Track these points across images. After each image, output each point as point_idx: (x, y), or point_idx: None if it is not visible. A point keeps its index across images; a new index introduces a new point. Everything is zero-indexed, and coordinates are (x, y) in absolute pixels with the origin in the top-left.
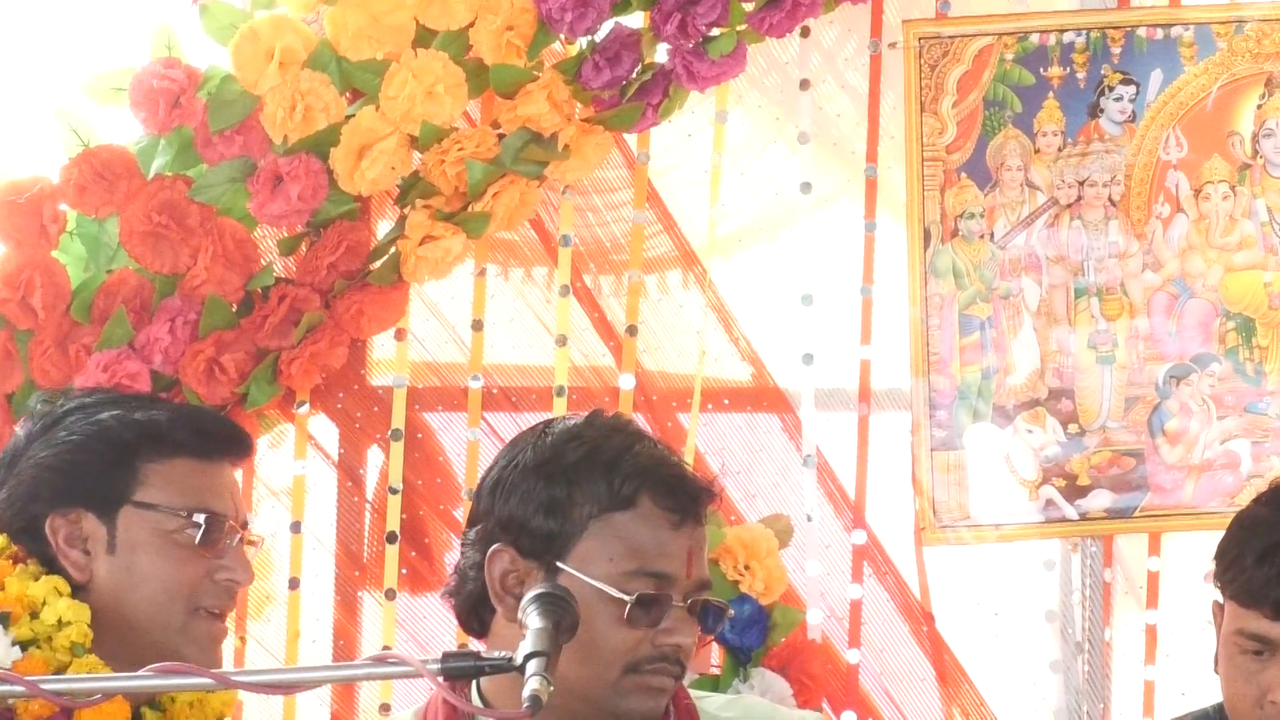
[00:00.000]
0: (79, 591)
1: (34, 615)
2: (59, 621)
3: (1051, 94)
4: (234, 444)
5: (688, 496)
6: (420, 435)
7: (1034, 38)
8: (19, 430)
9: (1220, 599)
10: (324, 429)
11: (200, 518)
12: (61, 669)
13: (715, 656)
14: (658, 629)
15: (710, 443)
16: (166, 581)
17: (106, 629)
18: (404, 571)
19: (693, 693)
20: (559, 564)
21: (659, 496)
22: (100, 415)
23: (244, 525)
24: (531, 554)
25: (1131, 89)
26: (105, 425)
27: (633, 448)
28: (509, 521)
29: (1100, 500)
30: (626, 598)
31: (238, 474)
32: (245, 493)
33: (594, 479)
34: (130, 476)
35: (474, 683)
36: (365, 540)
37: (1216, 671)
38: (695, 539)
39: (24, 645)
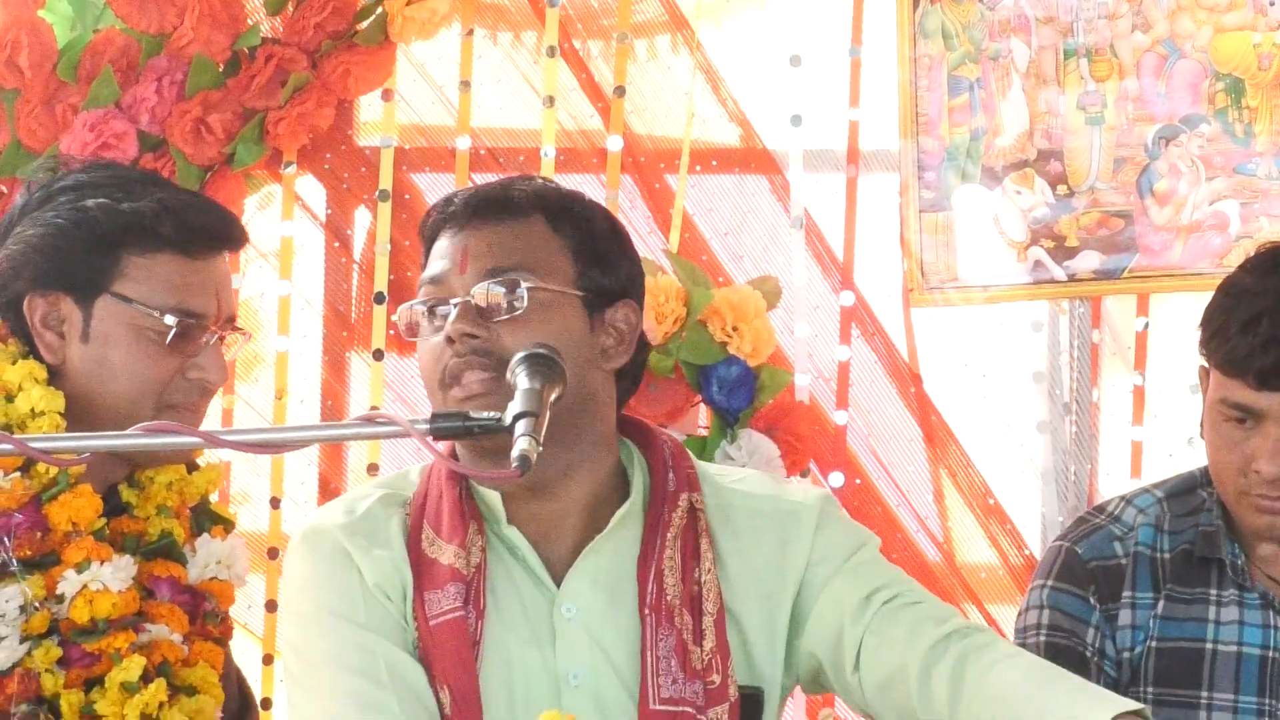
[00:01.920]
0: (54, 377)
1: (9, 399)
2: (32, 410)
3: None
4: (223, 239)
5: (461, 204)
6: (408, 196)
7: None
8: (17, 199)
9: (1206, 364)
10: (311, 190)
11: (172, 319)
12: (24, 461)
13: (703, 418)
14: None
15: (698, 204)
16: (136, 377)
17: (77, 417)
18: (391, 332)
19: (704, 465)
20: None
21: (445, 222)
22: (88, 201)
23: (229, 321)
24: None
25: None
26: (90, 213)
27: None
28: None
29: (1089, 261)
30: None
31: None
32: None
33: (422, 235)
34: (112, 266)
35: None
36: (353, 301)
37: (1203, 436)
38: (477, 236)
39: None
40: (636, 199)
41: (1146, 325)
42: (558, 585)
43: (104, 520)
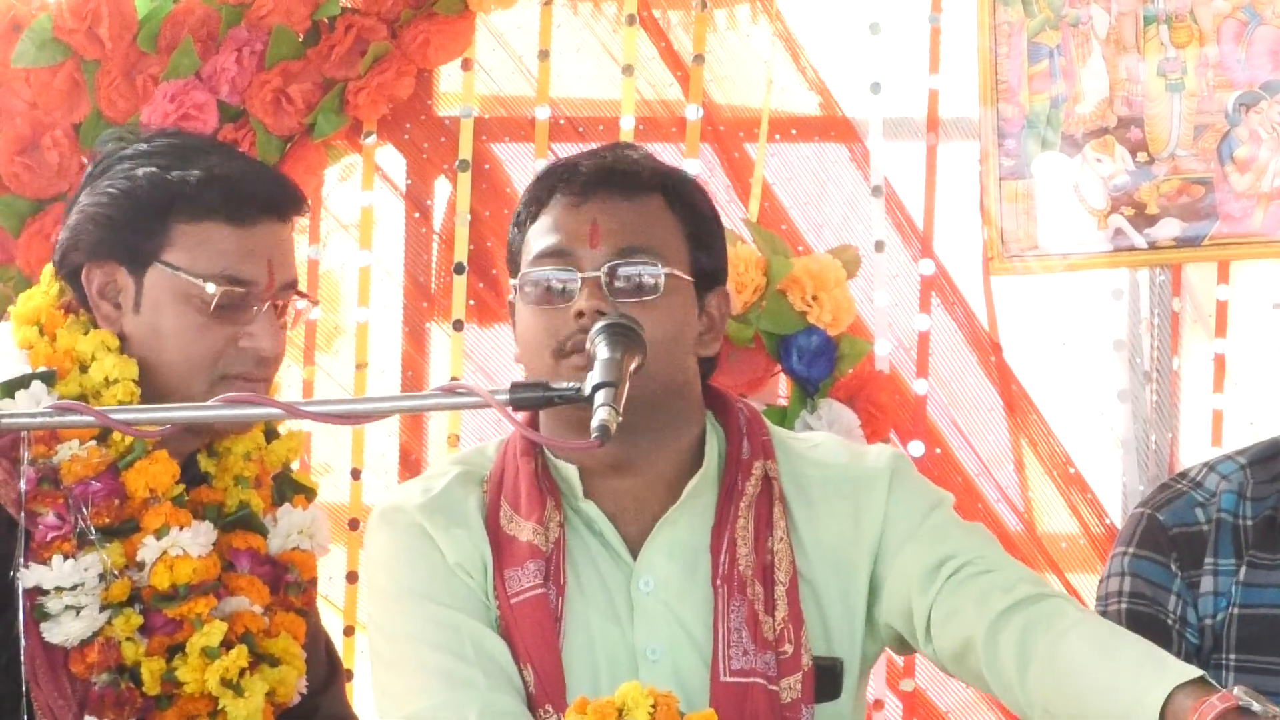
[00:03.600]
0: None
1: (83, 369)
2: (106, 379)
3: None
4: (273, 207)
5: (585, 174)
6: (488, 166)
7: None
8: (87, 171)
9: None
10: (391, 160)
11: (214, 287)
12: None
13: (783, 388)
14: (572, 306)
15: (778, 173)
16: (187, 346)
17: (144, 386)
18: (471, 303)
19: (778, 431)
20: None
21: (563, 187)
22: (138, 170)
23: (286, 288)
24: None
25: None
26: (139, 182)
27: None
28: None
29: (1169, 229)
30: (516, 282)
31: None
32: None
33: (526, 202)
34: (161, 235)
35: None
36: (433, 271)
37: None
38: (606, 210)
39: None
40: (716, 168)
41: (1228, 293)
42: (635, 559)
43: (183, 487)
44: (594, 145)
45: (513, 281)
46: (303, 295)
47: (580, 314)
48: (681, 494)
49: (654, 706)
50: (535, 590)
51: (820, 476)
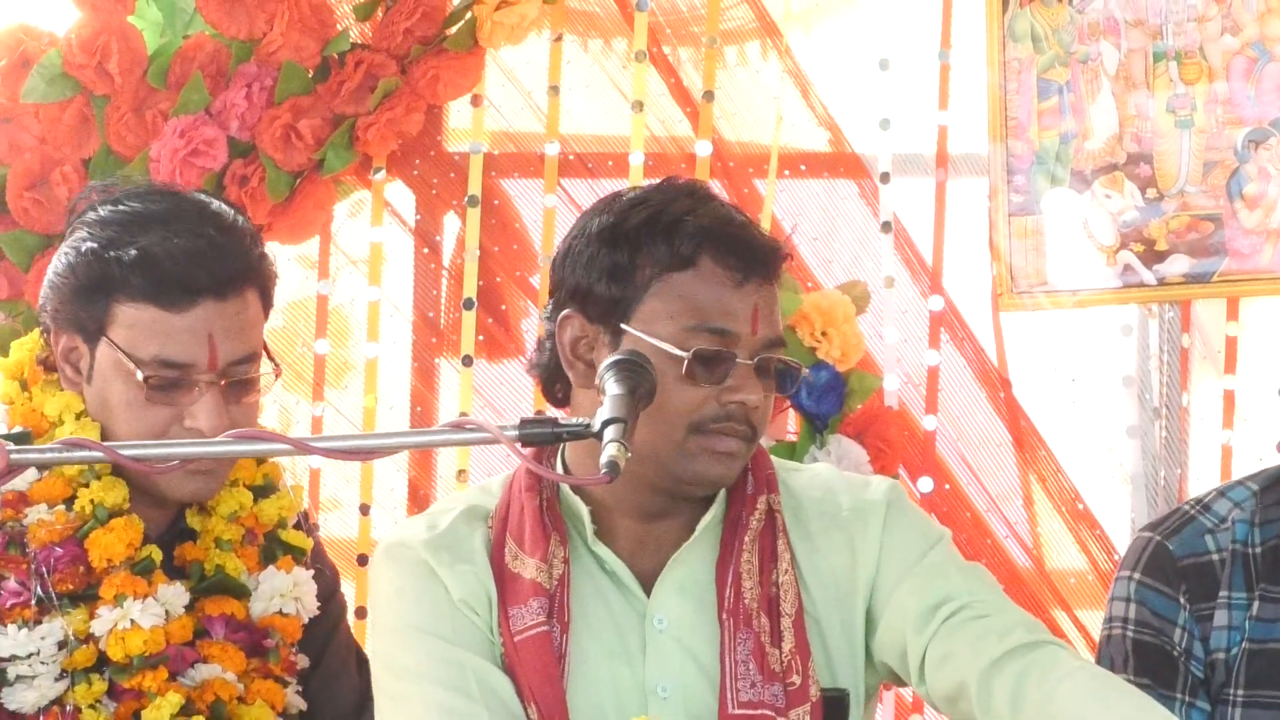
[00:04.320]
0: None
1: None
2: None
3: None
4: (211, 288)
5: (750, 254)
6: (497, 202)
7: None
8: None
9: None
10: (400, 196)
11: (140, 373)
12: (72, 493)
13: (792, 424)
14: (722, 387)
15: (787, 209)
16: (131, 424)
17: None
18: (481, 338)
19: (778, 463)
20: (623, 326)
21: (720, 255)
22: (84, 245)
23: (238, 362)
24: (598, 319)
25: None
26: (81, 258)
27: (697, 209)
28: (576, 289)
29: (1178, 265)
30: (684, 354)
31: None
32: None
33: (655, 240)
34: (104, 313)
35: (560, 453)
36: (442, 307)
37: None
38: (762, 296)
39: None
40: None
41: (1237, 329)
42: (647, 596)
43: (150, 550)
44: (604, 181)
45: (667, 345)
46: (272, 360)
47: (740, 403)
48: (694, 531)
49: None
50: (539, 628)
51: (818, 510)
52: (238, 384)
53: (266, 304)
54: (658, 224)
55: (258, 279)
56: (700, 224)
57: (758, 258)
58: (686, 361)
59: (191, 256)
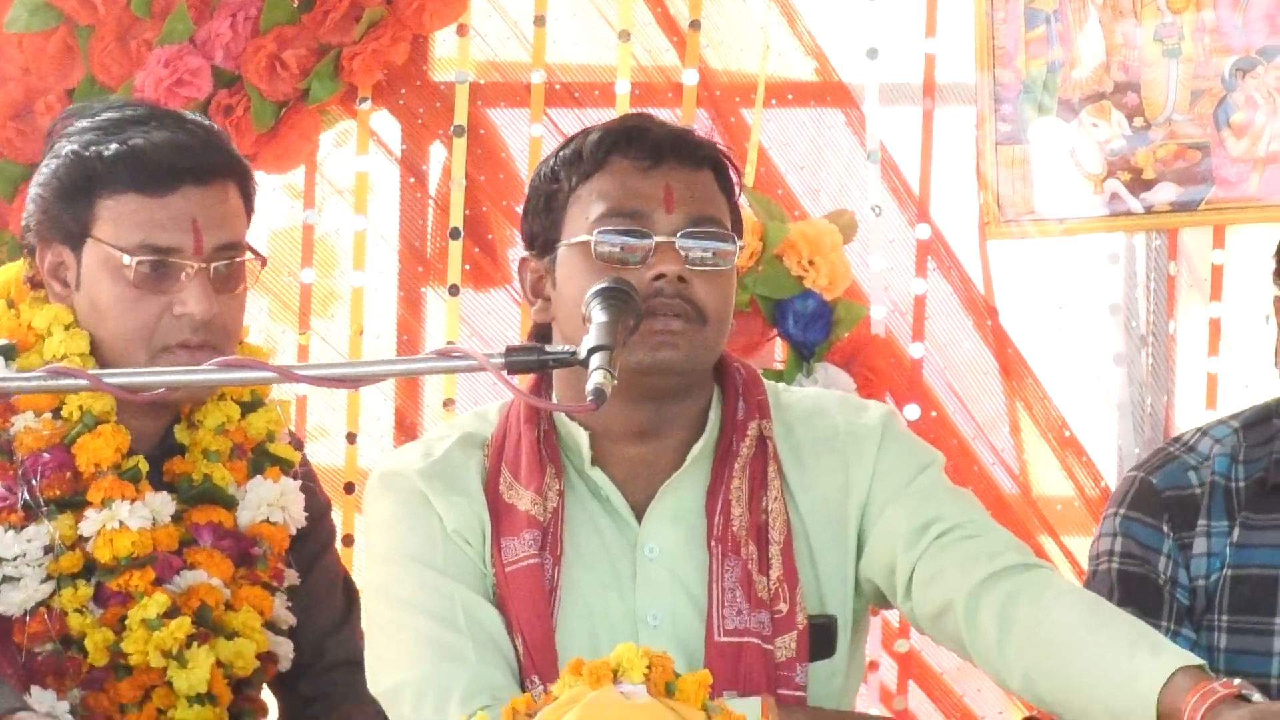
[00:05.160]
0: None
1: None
2: (56, 355)
3: None
4: (192, 172)
5: (656, 141)
6: (483, 131)
7: None
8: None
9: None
10: (386, 125)
11: (130, 259)
12: (59, 401)
13: (779, 352)
14: (645, 266)
15: (774, 139)
16: (121, 320)
17: (96, 359)
18: (467, 267)
19: (773, 386)
20: (557, 244)
21: (627, 149)
22: (65, 150)
23: (223, 249)
24: (542, 252)
25: None
26: (63, 162)
27: (610, 123)
28: (526, 234)
29: (1165, 193)
30: (591, 238)
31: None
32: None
33: (570, 161)
34: (88, 212)
35: (552, 384)
36: (428, 236)
37: (1277, 366)
38: (676, 178)
39: None
40: (712, 134)
41: (1223, 257)
42: (639, 524)
43: (137, 459)
44: (590, 110)
45: (571, 239)
46: (254, 252)
47: (660, 276)
48: (686, 460)
49: (649, 667)
50: (530, 560)
51: (812, 434)
52: (223, 272)
53: (248, 203)
54: (572, 145)
55: (238, 173)
56: (607, 128)
57: (666, 143)
58: (593, 245)
59: (173, 145)
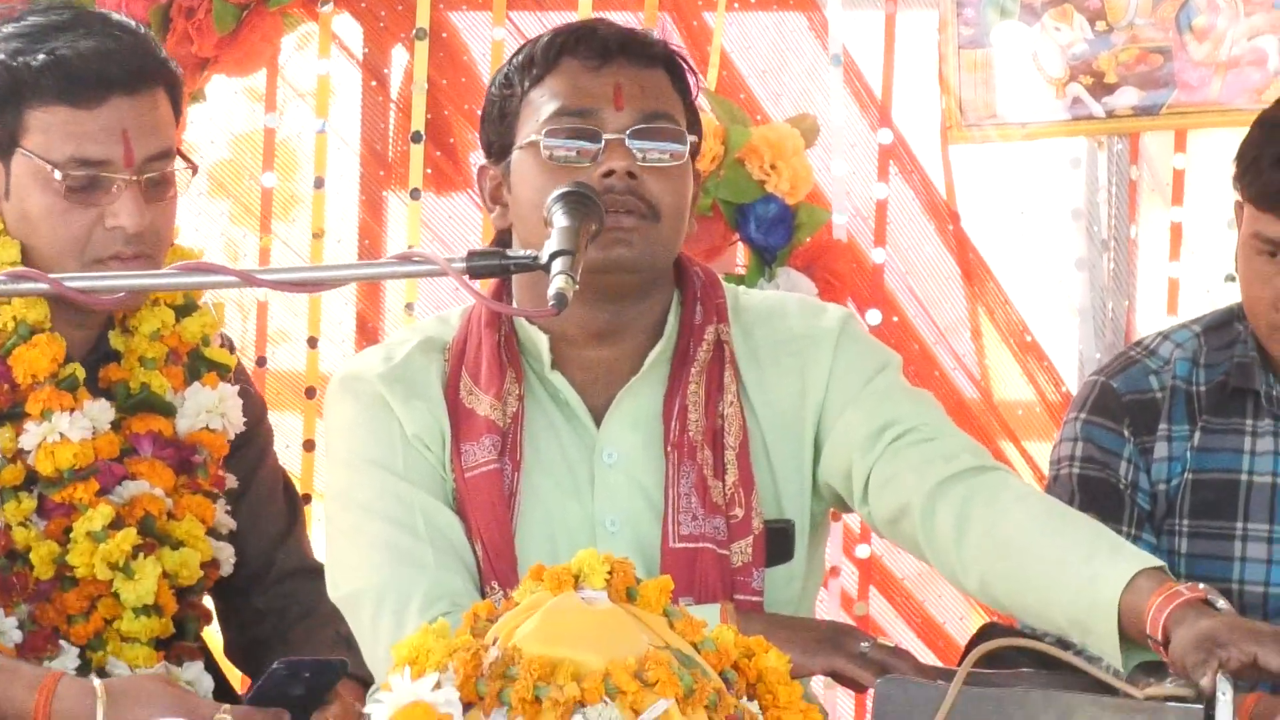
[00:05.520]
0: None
1: None
2: None
3: None
4: (121, 82)
5: (605, 40)
6: (445, 34)
7: None
8: None
9: (1241, 199)
10: (348, 28)
11: (60, 173)
12: None
13: (741, 256)
14: (594, 164)
15: (737, 43)
16: (53, 231)
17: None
18: (429, 171)
19: (733, 290)
20: (512, 149)
21: (576, 50)
22: None
23: (154, 158)
24: (498, 158)
25: None
26: None
27: (567, 27)
28: (484, 140)
29: (1127, 97)
30: (539, 138)
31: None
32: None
33: (523, 66)
34: (16, 122)
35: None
36: (390, 140)
37: (1237, 271)
38: (625, 75)
39: None
40: (674, 37)
41: (1184, 161)
42: (599, 430)
43: (74, 367)
44: (552, 14)
45: (524, 141)
46: (185, 158)
47: (610, 173)
48: (644, 364)
49: (610, 573)
50: (489, 465)
51: (770, 337)
52: (154, 181)
53: (176, 107)
54: (524, 51)
55: (166, 78)
56: (556, 30)
57: (614, 42)
58: (541, 145)
59: (101, 55)
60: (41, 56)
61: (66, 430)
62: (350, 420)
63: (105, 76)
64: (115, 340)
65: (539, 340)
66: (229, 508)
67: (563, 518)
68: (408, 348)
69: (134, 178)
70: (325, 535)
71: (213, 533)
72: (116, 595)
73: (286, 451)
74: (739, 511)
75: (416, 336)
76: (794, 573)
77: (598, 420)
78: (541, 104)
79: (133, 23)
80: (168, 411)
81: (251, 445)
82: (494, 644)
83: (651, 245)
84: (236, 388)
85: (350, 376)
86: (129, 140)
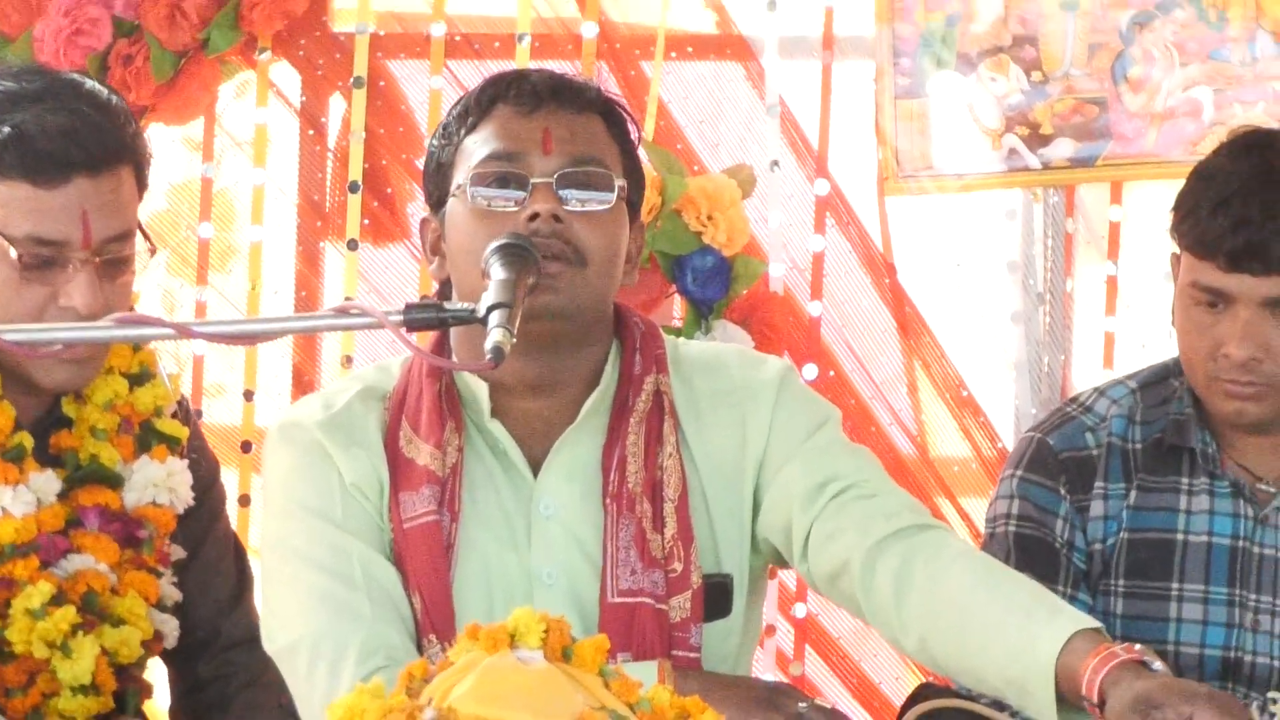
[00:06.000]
0: None
1: None
2: None
3: None
4: (85, 163)
5: (536, 86)
6: (383, 83)
7: None
8: None
9: (1178, 250)
10: (286, 77)
11: (14, 250)
12: None
13: (677, 309)
14: (523, 208)
15: (674, 92)
16: (7, 305)
17: None
18: (366, 222)
19: (673, 341)
20: (448, 197)
21: (510, 97)
22: None
23: (113, 240)
24: (436, 208)
25: None
26: None
27: (502, 75)
28: (425, 193)
29: (1063, 149)
30: (465, 183)
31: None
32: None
33: (460, 115)
34: None
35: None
36: (327, 190)
37: (1174, 325)
38: (555, 120)
39: None
40: (611, 86)
41: (1120, 214)
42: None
43: (21, 436)
44: (490, 63)
45: (456, 189)
46: (146, 236)
47: (534, 216)
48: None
49: (546, 631)
50: (428, 516)
51: (710, 388)
52: (112, 262)
53: (141, 183)
54: (462, 102)
55: (132, 157)
56: (492, 80)
57: (546, 88)
58: (467, 190)
59: (65, 133)
60: (7, 130)
61: (9, 505)
62: (288, 468)
63: (68, 157)
64: (68, 407)
65: (478, 390)
66: (175, 579)
67: (500, 570)
68: (347, 396)
69: (91, 258)
70: (261, 585)
71: (158, 605)
72: (55, 672)
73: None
74: (678, 565)
75: (356, 385)
76: (732, 628)
77: (536, 471)
78: (473, 150)
79: (104, 93)
80: (116, 484)
81: (203, 510)
82: (429, 704)
83: (578, 291)
84: (186, 461)
85: (289, 424)
86: (88, 221)
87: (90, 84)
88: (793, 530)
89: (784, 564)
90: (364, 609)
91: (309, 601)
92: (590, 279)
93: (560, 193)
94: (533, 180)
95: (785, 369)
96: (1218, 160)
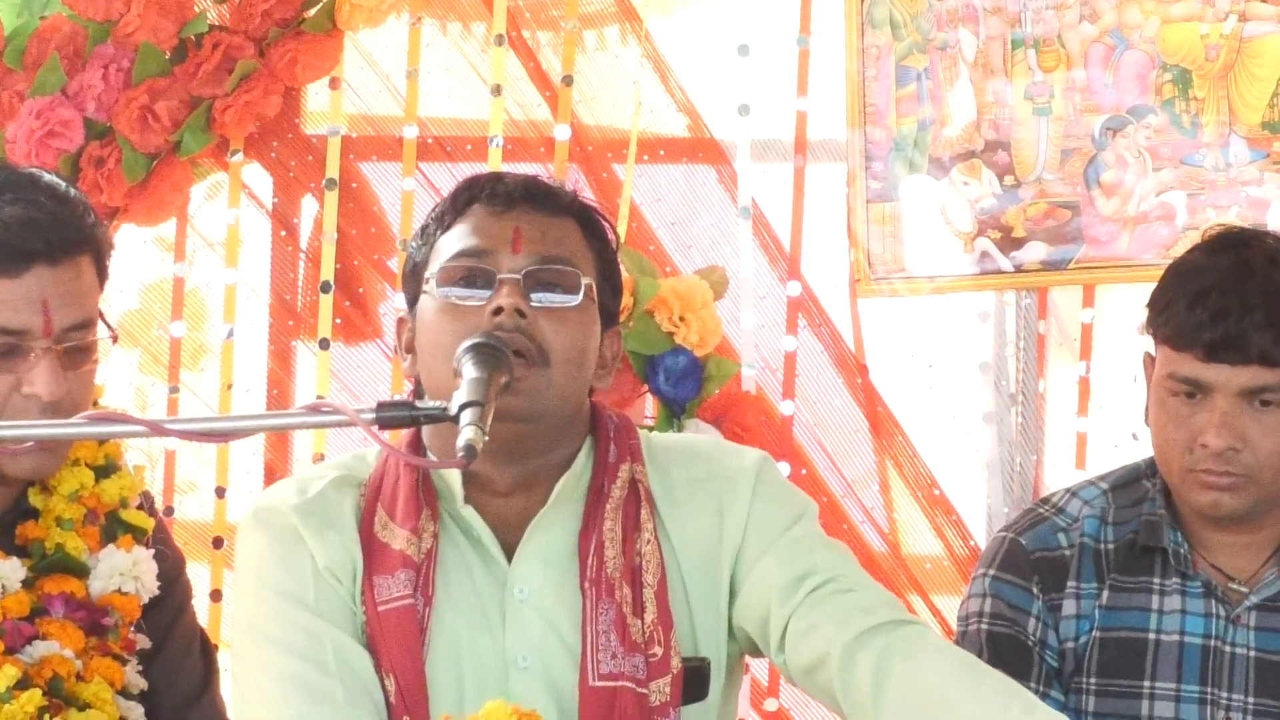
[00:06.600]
0: None
1: None
2: None
3: None
4: (42, 253)
5: (511, 188)
6: (355, 185)
7: None
8: None
9: (1151, 350)
10: (258, 178)
11: None
12: None
13: (650, 408)
14: (489, 303)
15: (646, 194)
16: None
17: None
18: (338, 321)
19: (649, 436)
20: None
21: (484, 198)
22: None
23: (74, 328)
24: (411, 306)
25: None
26: None
27: (480, 176)
28: (403, 292)
29: (1035, 252)
30: (432, 277)
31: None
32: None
33: (438, 218)
34: None
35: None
36: (299, 290)
37: (1147, 423)
38: (526, 220)
39: None
40: (584, 188)
41: (1092, 316)
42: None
43: None
44: (462, 165)
45: (427, 285)
46: (107, 324)
47: (499, 310)
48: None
49: None
50: (403, 600)
51: (686, 476)
52: (73, 350)
53: (101, 273)
54: (439, 205)
55: (91, 246)
56: (469, 181)
57: (521, 190)
58: (433, 284)
59: (24, 223)
60: None
61: None
62: (262, 552)
63: (28, 247)
64: (34, 498)
65: (451, 480)
66: (140, 667)
67: (474, 654)
68: (322, 483)
69: (53, 346)
70: (232, 669)
71: (124, 693)
72: None
73: (193, 602)
74: (658, 650)
75: (332, 472)
76: (709, 711)
77: (509, 553)
78: (445, 248)
79: (63, 186)
80: (81, 573)
81: (168, 602)
82: None
83: (541, 394)
84: (152, 551)
85: (263, 508)
86: (49, 310)
87: (48, 177)
88: (770, 622)
89: (758, 653)
90: (337, 693)
91: (281, 686)
92: (554, 379)
93: (527, 291)
94: (500, 276)
95: (762, 459)
96: (1194, 256)
